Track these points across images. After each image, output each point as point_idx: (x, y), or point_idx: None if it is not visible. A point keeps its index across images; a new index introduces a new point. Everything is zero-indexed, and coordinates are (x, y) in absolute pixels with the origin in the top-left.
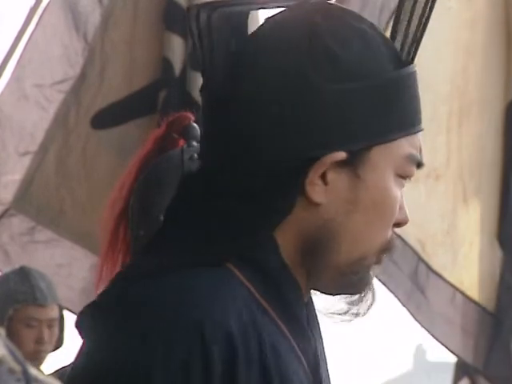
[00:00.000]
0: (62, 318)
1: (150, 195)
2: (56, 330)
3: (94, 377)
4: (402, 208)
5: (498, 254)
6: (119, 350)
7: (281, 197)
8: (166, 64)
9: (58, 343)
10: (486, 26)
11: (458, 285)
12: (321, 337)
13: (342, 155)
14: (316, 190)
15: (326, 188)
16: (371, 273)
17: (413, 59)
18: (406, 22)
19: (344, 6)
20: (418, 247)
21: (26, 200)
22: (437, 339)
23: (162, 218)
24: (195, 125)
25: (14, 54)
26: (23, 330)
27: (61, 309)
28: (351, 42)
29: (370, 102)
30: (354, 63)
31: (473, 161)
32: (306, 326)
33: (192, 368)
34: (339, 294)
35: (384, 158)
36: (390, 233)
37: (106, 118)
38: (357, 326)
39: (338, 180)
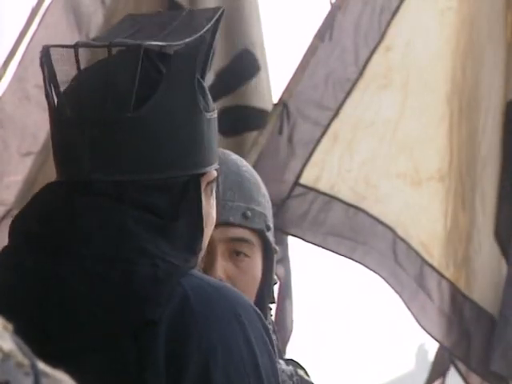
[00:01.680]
0: None
1: None
2: None
3: None
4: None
5: (497, 253)
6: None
7: (198, 211)
8: None
9: None
10: (485, 25)
11: (459, 285)
12: None
13: (214, 174)
14: None
15: None
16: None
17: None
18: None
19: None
20: (420, 249)
21: None
22: (438, 341)
23: None
24: None
25: (15, 54)
26: None
27: None
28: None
29: (214, 131)
30: (209, 97)
31: (473, 161)
32: None
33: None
34: None
35: (214, 183)
36: None
37: None
38: (358, 326)
39: (205, 197)
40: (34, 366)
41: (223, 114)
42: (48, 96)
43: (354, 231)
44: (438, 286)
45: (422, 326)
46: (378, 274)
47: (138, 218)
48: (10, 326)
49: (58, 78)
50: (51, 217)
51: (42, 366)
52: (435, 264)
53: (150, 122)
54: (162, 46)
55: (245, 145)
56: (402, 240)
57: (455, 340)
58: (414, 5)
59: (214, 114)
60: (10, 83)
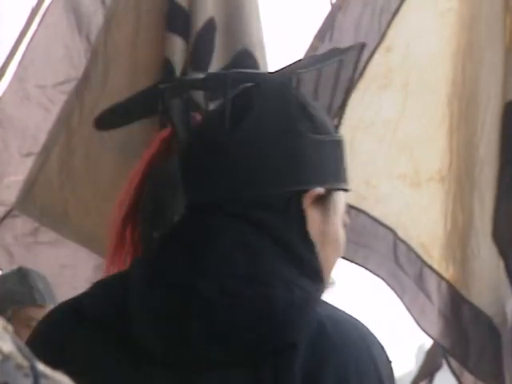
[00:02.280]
0: None
1: (164, 197)
2: None
3: None
4: None
5: (495, 254)
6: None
7: (302, 230)
8: (168, 65)
9: None
10: (485, 27)
11: (458, 286)
12: None
13: (321, 190)
14: None
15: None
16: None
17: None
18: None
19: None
20: (420, 250)
21: (29, 201)
22: (438, 343)
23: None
24: None
25: (15, 54)
26: (22, 330)
27: None
28: (317, 105)
29: (332, 152)
30: (321, 120)
31: (472, 162)
32: None
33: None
34: None
35: (339, 202)
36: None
37: (109, 119)
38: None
39: (315, 214)
40: (33, 368)
41: None
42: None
43: (355, 233)
44: (437, 288)
45: (422, 328)
46: (379, 277)
47: (263, 238)
48: (10, 327)
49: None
50: (185, 237)
51: (41, 367)
52: (435, 265)
53: (243, 144)
54: (253, 75)
55: None
56: (403, 241)
57: (453, 341)
58: (414, 6)
59: (330, 137)
60: (10, 83)
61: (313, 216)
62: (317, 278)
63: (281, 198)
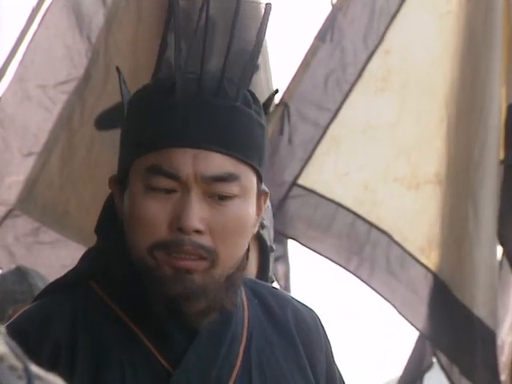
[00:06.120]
0: None
1: None
2: None
3: None
4: (179, 217)
5: (489, 257)
6: None
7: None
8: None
9: None
10: (484, 30)
11: (452, 287)
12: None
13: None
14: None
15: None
16: (162, 266)
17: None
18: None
19: None
20: (417, 252)
21: (30, 201)
22: (437, 346)
23: None
24: None
25: (16, 54)
26: None
27: None
28: None
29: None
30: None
31: (467, 165)
32: (177, 338)
33: None
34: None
35: (134, 173)
36: (159, 236)
37: (110, 119)
38: (358, 326)
39: (116, 193)
40: (26, 369)
41: None
42: None
43: (351, 237)
44: (432, 289)
45: (417, 328)
46: (369, 286)
47: None
48: (2, 329)
49: None
50: None
51: (35, 369)
52: (432, 267)
53: None
54: None
55: None
56: (398, 244)
57: (446, 342)
58: (413, 8)
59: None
60: (11, 83)
61: (116, 195)
62: None
63: None
